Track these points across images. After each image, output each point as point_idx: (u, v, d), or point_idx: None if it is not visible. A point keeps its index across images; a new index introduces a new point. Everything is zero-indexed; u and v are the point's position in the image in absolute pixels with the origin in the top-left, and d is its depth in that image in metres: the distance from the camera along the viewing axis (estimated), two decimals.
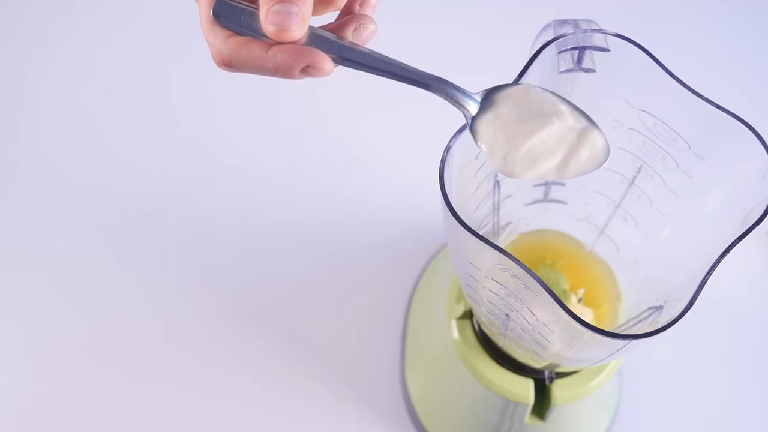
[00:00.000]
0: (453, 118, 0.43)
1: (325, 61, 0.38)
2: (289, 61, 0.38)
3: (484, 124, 0.40)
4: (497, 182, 0.51)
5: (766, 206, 0.39)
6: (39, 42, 0.89)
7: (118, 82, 0.87)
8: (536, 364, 0.58)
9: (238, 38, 0.39)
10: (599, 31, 0.45)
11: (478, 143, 0.40)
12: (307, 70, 0.38)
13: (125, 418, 0.72)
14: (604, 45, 0.45)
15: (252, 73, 0.39)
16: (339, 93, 0.87)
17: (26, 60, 0.88)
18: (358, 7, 0.41)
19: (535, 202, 0.60)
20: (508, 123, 0.40)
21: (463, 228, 0.39)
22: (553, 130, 0.40)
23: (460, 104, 0.40)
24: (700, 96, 0.43)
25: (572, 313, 0.38)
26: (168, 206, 0.81)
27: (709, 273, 0.39)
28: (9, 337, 0.75)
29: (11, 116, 0.85)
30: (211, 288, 0.78)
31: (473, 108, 0.40)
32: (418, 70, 0.39)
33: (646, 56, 0.44)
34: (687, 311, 0.38)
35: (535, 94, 0.40)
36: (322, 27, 0.40)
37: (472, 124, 0.40)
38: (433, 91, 0.40)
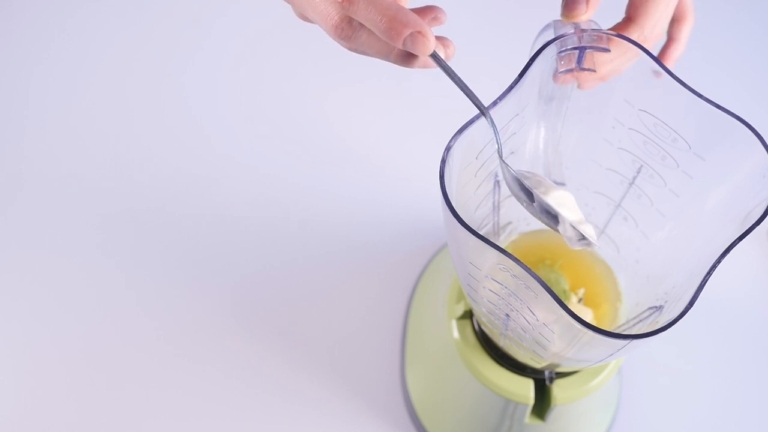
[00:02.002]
0: (454, 120, 0.43)
1: (430, 33, 0.39)
2: (405, 19, 0.39)
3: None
4: (497, 182, 0.51)
5: (766, 206, 0.39)
6: (46, 39, 0.89)
7: (125, 80, 0.87)
8: (536, 364, 0.58)
9: None
10: (599, 31, 0.45)
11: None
12: (415, 37, 0.39)
13: (120, 419, 0.72)
14: (604, 45, 0.45)
15: (366, 20, 0.40)
16: (345, 94, 0.87)
17: (32, 58, 0.88)
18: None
19: None
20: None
21: (463, 228, 0.39)
22: (572, 199, 0.45)
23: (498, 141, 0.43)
24: (700, 96, 0.43)
25: (572, 312, 0.38)
26: (169, 204, 0.81)
27: (709, 273, 0.39)
28: (3, 338, 0.75)
29: (15, 114, 0.86)
30: (208, 287, 0.77)
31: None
32: (478, 100, 0.42)
33: (647, 56, 0.44)
34: (687, 311, 0.38)
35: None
36: None
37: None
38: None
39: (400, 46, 0.40)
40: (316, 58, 0.89)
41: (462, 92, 0.42)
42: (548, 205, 0.44)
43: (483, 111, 0.42)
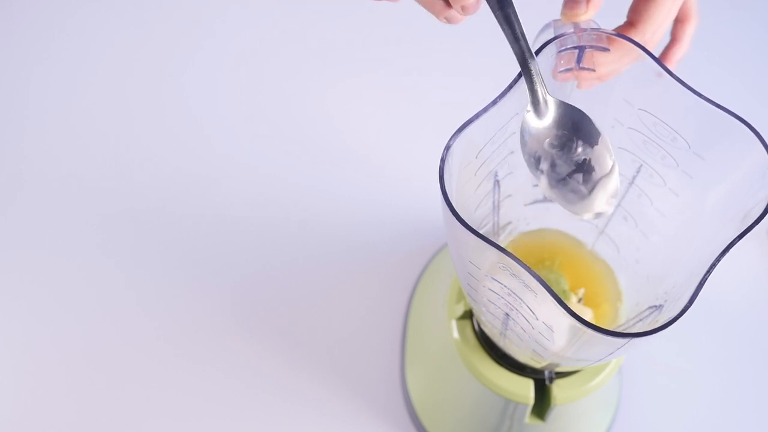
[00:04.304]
0: (453, 119, 0.43)
1: None
2: None
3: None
4: (497, 182, 0.51)
5: (765, 205, 0.39)
6: (46, 39, 0.89)
7: (125, 80, 0.87)
8: (536, 364, 0.58)
9: None
10: (599, 30, 0.45)
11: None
12: None
13: (120, 419, 0.72)
14: (603, 44, 0.45)
15: None
16: (345, 93, 0.87)
17: (32, 58, 0.88)
18: None
19: (535, 201, 0.59)
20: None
21: (462, 226, 0.39)
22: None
23: (535, 92, 0.42)
24: (699, 95, 0.43)
25: (571, 311, 0.38)
26: (169, 204, 0.81)
27: (708, 272, 0.39)
28: (3, 338, 0.75)
29: (15, 114, 0.86)
30: (208, 287, 0.77)
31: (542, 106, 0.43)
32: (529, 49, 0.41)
33: (646, 55, 0.44)
34: (686, 310, 0.38)
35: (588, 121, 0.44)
36: None
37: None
38: (529, 65, 0.41)
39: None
40: (315, 58, 0.89)
41: (504, 34, 0.40)
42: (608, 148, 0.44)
43: (528, 61, 0.41)
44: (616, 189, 0.45)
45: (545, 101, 0.43)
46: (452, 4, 0.40)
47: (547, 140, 0.45)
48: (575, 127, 0.44)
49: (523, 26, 0.40)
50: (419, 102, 0.87)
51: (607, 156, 0.45)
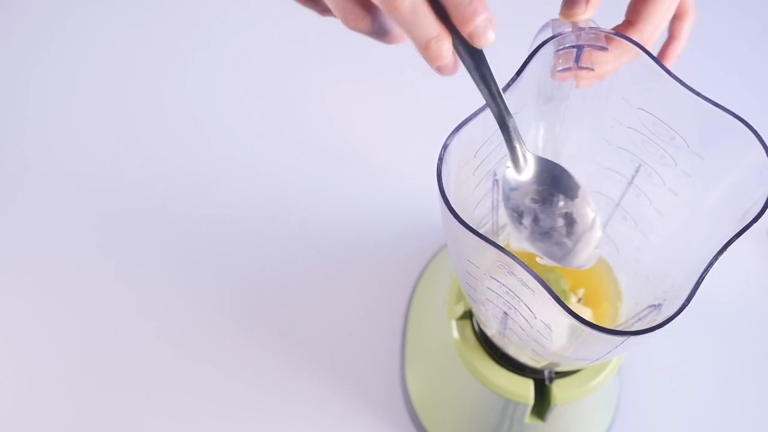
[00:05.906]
0: (453, 119, 0.43)
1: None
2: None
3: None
4: (496, 181, 0.51)
5: (763, 204, 0.39)
6: (46, 39, 0.89)
7: (125, 80, 0.88)
8: (536, 364, 0.58)
9: None
10: (598, 29, 0.45)
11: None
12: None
13: (120, 419, 0.72)
14: (602, 43, 0.45)
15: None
16: (345, 94, 0.87)
17: (32, 58, 0.88)
18: None
19: None
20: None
21: (460, 225, 0.39)
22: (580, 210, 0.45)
23: (513, 149, 0.42)
24: (698, 94, 0.42)
25: (569, 309, 0.37)
26: (169, 204, 0.81)
27: (706, 270, 0.39)
28: (3, 338, 0.75)
29: (15, 114, 0.86)
30: (208, 287, 0.77)
31: (521, 162, 0.43)
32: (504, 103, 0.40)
33: (645, 54, 0.44)
34: (684, 308, 0.38)
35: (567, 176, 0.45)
36: None
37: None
38: (507, 122, 0.41)
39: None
40: (316, 57, 0.89)
41: (481, 93, 0.40)
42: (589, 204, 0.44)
43: (506, 119, 0.41)
44: (599, 241, 0.45)
45: (524, 157, 0.43)
46: (429, 64, 0.39)
47: (529, 196, 0.45)
48: (555, 181, 0.44)
49: (499, 85, 0.40)
50: (419, 102, 0.87)
51: (587, 209, 0.45)
